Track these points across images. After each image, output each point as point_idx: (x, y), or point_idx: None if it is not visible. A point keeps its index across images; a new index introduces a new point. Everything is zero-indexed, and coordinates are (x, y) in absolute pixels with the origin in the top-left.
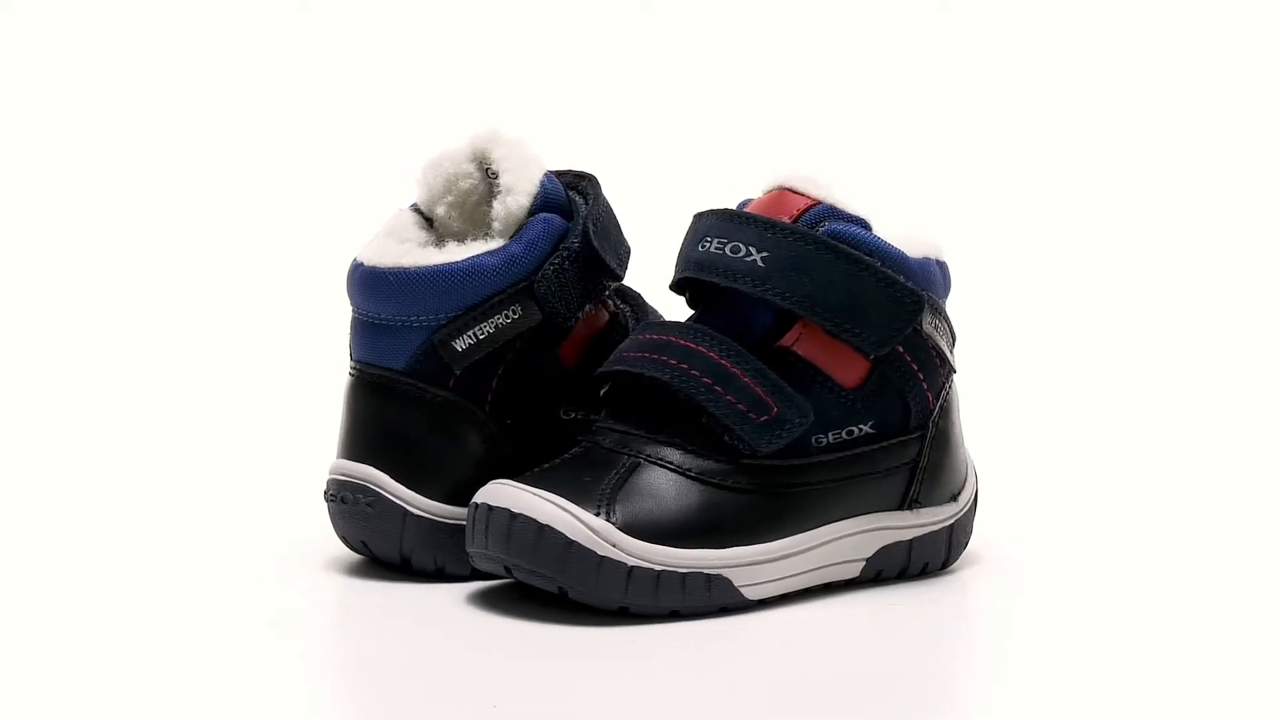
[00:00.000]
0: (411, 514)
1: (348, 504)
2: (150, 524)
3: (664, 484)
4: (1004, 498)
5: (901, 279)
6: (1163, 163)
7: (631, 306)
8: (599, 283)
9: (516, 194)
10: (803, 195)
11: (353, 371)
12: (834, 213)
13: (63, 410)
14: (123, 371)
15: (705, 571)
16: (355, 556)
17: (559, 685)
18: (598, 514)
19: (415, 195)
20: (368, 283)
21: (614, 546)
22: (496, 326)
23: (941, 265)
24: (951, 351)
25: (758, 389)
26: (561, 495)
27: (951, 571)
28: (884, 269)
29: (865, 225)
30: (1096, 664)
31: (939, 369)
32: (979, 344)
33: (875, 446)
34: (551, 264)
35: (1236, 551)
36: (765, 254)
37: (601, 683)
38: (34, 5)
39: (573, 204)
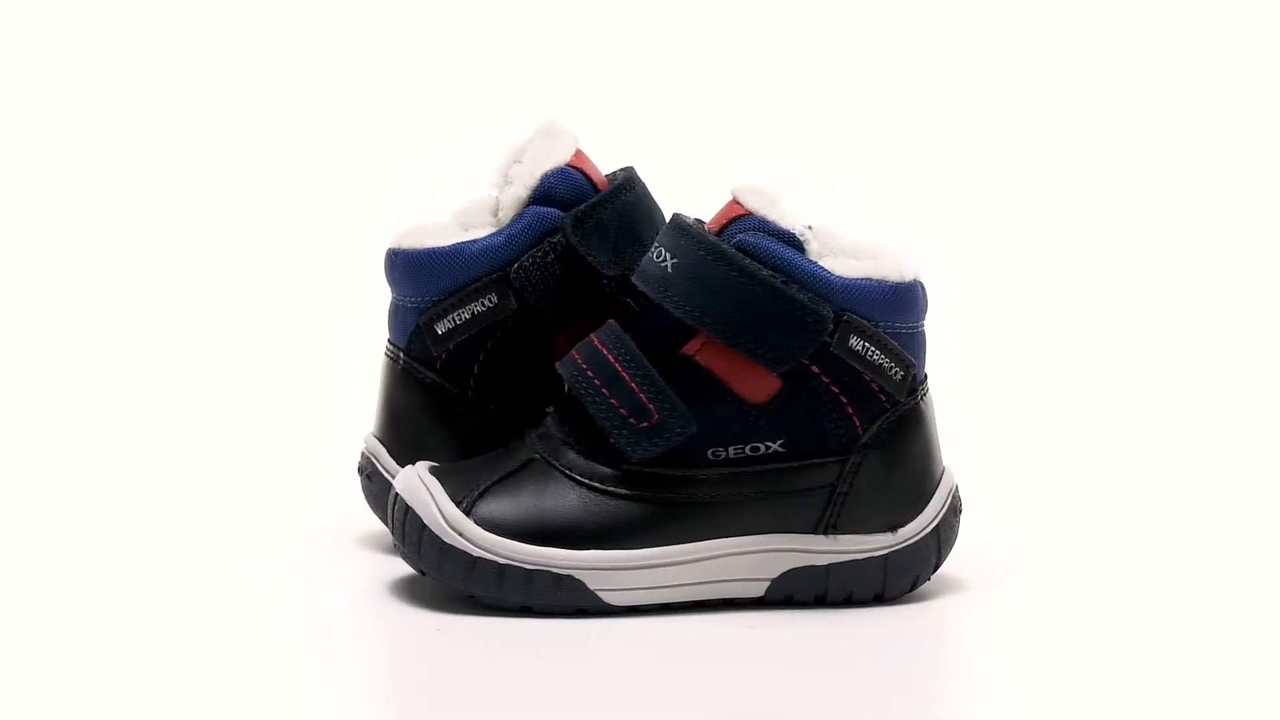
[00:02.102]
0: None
1: (362, 475)
2: (199, 503)
3: (541, 483)
4: (982, 512)
5: (804, 297)
6: (1160, 163)
7: None
8: (591, 279)
9: (516, 186)
10: (739, 205)
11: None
12: (760, 225)
13: (123, 396)
14: (172, 358)
15: (554, 570)
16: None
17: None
18: (460, 504)
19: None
20: (385, 262)
21: (460, 536)
22: (473, 313)
23: (898, 288)
24: (904, 378)
25: (641, 394)
26: (445, 484)
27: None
28: (783, 285)
29: (793, 241)
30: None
31: (875, 396)
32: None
33: (784, 466)
34: (532, 256)
35: (1222, 580)
36: (675, 261)
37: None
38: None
39: None
